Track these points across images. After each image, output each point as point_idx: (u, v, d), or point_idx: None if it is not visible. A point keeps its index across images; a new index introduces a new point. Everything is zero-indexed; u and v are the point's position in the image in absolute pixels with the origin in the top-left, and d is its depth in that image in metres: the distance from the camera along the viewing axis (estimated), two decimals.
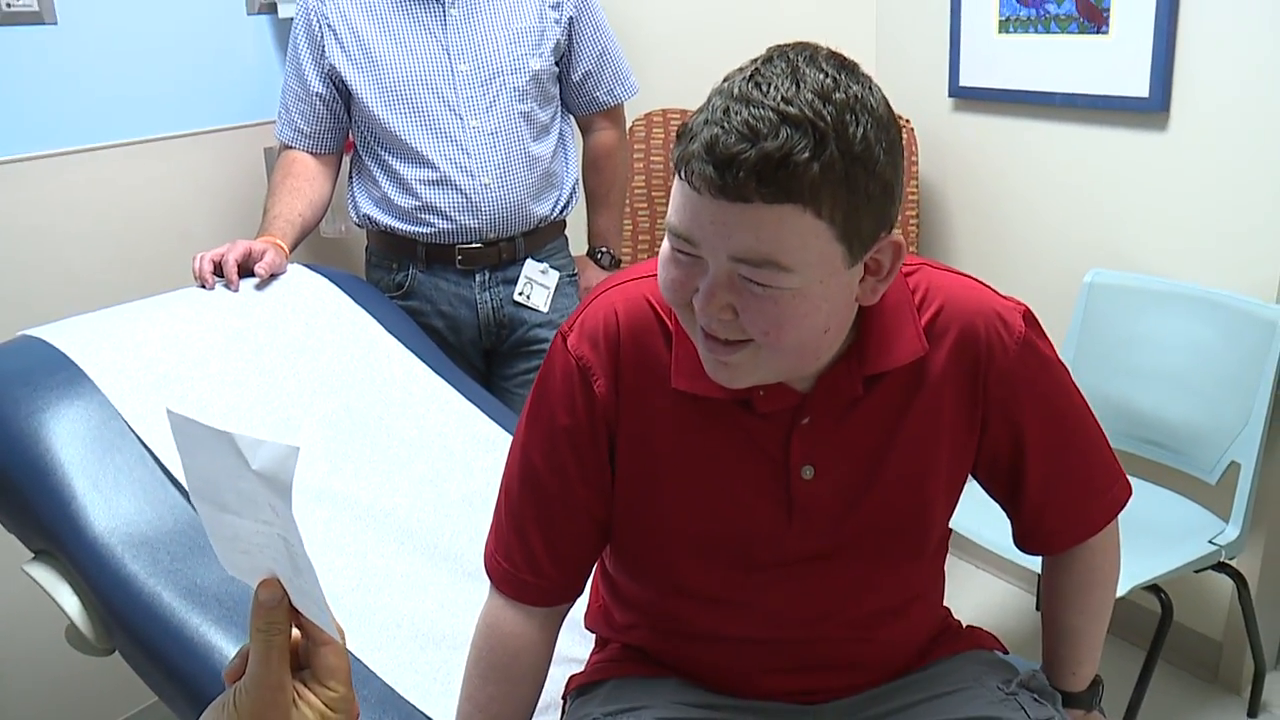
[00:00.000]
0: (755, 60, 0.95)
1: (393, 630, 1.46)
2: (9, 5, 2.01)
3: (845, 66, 0.94)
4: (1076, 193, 2.35)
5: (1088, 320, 2.28)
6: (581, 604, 1.29)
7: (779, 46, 0.96)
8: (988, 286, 1.17)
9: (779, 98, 0.89)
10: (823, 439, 1.11)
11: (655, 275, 1.15)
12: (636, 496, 1.16)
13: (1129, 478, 1.24)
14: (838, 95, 0.90)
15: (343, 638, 0.71)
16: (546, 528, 1.18)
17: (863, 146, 0.91)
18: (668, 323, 1.13)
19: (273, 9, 2.34)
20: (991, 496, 1.24)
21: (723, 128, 0.89)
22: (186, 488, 0.66)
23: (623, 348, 1.13)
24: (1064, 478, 1.19)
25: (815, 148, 0.88)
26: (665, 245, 1.01)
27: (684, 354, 1.11)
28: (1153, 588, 1.94)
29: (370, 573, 1.52)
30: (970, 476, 1.21)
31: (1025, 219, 2.47)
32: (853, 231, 0.94)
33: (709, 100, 0.94)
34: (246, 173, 2.35)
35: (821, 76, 0.91)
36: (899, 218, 0.99)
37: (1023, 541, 1.25)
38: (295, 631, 0.70)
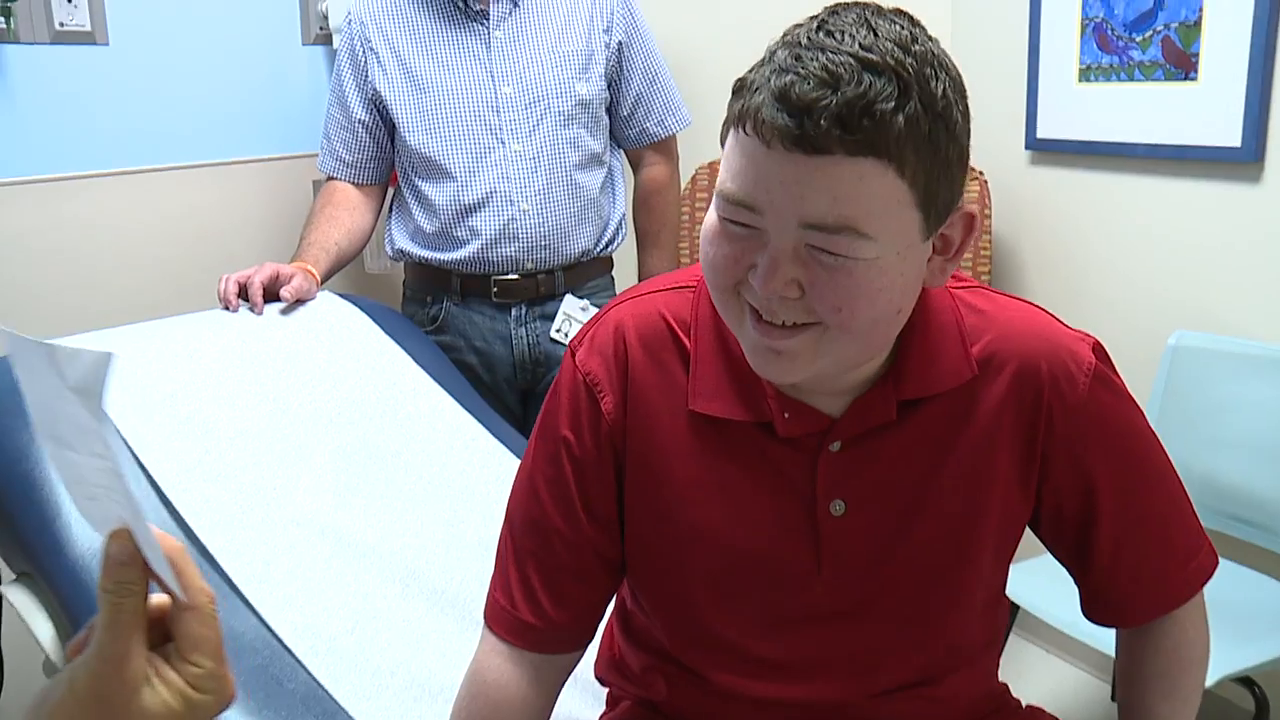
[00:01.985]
0: (817, 15, 0.85)
1: (385, 679, 1.33)
2: (62, 25, 2.00)
3: (917, 23, 0.85)
4: (1161, 249, 2.20)
5: (1171, 385, 2.11)
6: (591, 653, 1.15)
7: (839, 2, 0.86)
8: (1052, 315, 1.03)
9: (857, 45, 0.80)
10: (854, 470, 0.97)
11: (675, 288, 1.05)
12: (649, 531, 1.04)
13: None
14: (917, 48, 0.81)
15: (211, 602, 0.60)
16: (549, 562, 1.05)
17: (944, 104, 0.82)
18: (685, 341, 1.01)
19: (328, 40, 2.31)
20: (1057, 556, 1.08)
21: (797, 74, 0.79)
22: (35, 426, 0.55)
23: (633, 365, 1.01)
24: (1141, 536, 1.03)
25: (900, 98, 0.79)
26: (711, 218, 0.89)
27: (704, 374, 0.99)
28: (1245, 680, 1.75)
29: (369, 615, 1.41)
30: (1033, 533, 1.07)
31: (1105, 277, 2.31)
32: (931, 198, 0.83)
33: (769, 54, 0.83)
34: (293, 203, 2.30)
35: (897, 28, 0.82)
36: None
37: (1091, 609, 1.09)
38: (161, 596, 0.59)
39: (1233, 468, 2.01)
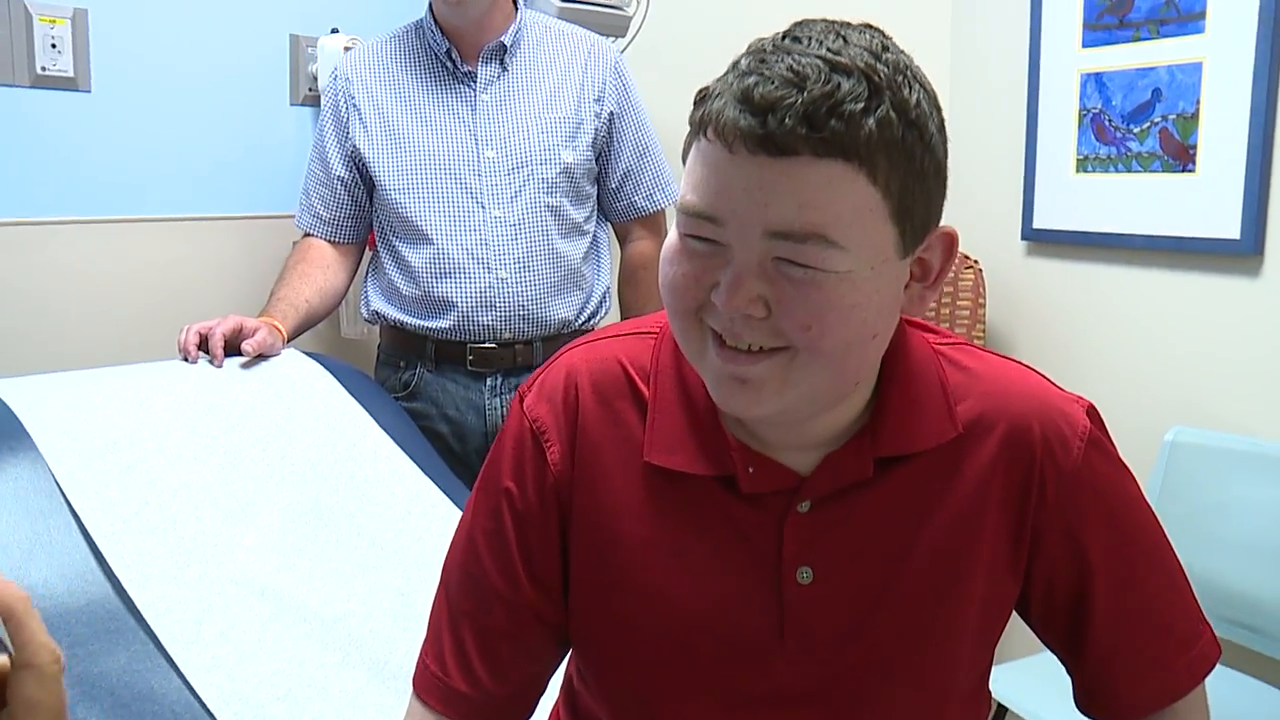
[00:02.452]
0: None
1: None
2: (44, 69, 1.96)
3: (889, 38, 0.81)
4: (1158, 342, 2.14)
5: (1169, 483, 2.03)
6: None
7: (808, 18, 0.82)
8: (1043, 375, 0.96)
9: (825, 49, 0.75)
10: (824, 534, 0.89)
11: (635, 334, 0.98)
12: (595, 596, 0.95)
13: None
14: (889, 55, 0.77)
15: (55, 662, 0.55)
16: (486, 625, 0.96)
17: (919, 113, 0.77)
18: (643, 389, 0.94)
19: (316, 102, 2.28)
20: (1047, 643, 0.99)
21: (761, 75, 0.74)
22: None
23: (584, 414, 0.94)
24: (1138, 618, 0.94)
25: (870, 99, 0.74)
26: (671, 236, 0.83)
27: (662, 424, 0.92)
28: None
29: (303, 683, 1.31)
30: (1020, 618, 0.98)
31: (1101, 370, 2.25)
32: (906, 211, 0.78)
33: (732, 64, 0.79)
34: (271, 263, 2.23)
35: (868, 37, 0.78)
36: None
37: (1086, 701, 0.99)
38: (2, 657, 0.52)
39: (1233, 570, 1.91)
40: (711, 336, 0.82)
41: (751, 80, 0.74)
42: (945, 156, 0.81)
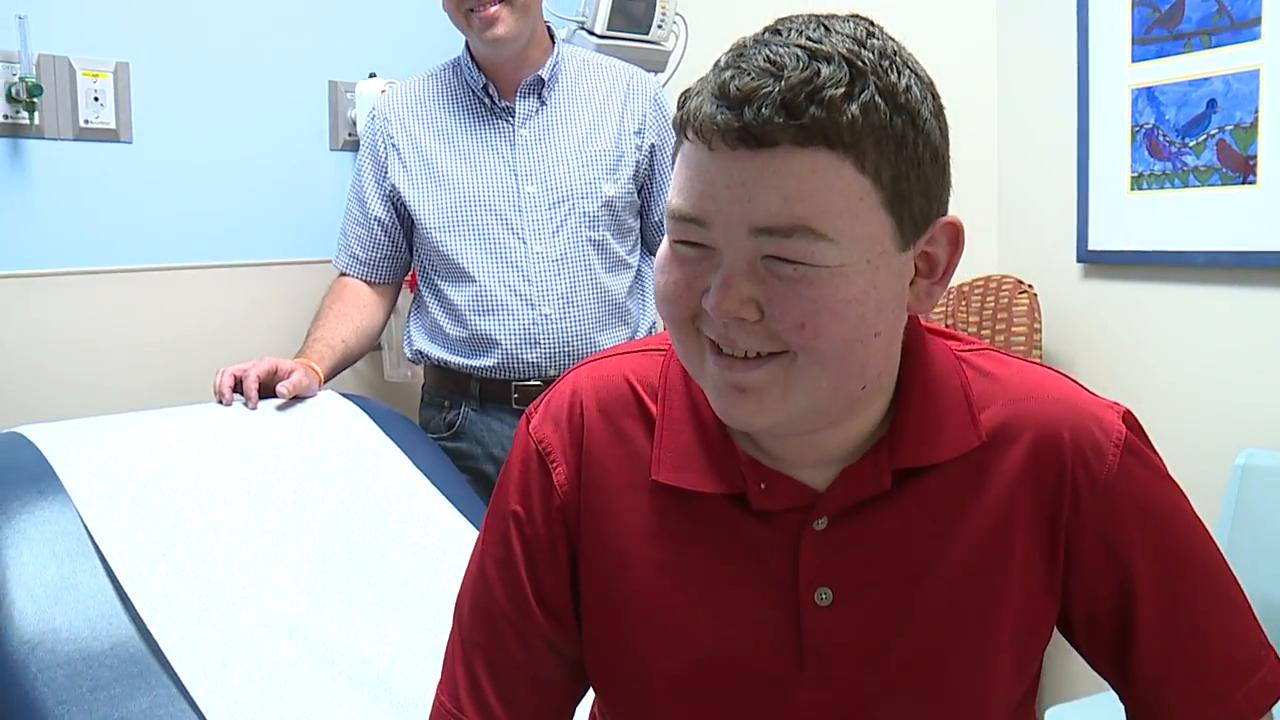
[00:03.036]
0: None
1: None
2: (86, 122, 2.00)
3: (877, 25, 0.77)
4: (1224, 362, 2.04)
5: (1241, 509, 1.92)
6: None
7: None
8: (1075, 380, 0.91)
9: (805, 38, 0.72)
10: (843, 552, 0.84)
11: (644, 351, 0.95)
12: (605, 625, 0.90)
13: None
14: (874, 41, 0.74)
15: None
16: (499, 658, 0.92)
17: (908, 96, 0.73)
18: (650, 406, 0.90)
19: (355, 146, 2.29)
20: (1096, 668, 0.92)
21: (738, 68, 0.72)
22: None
23: (590, 433, 0.90)
24: (1190, 640, 0.87)
25: (852, 84, 0.71)
26: (663, 246, 0.80)
27: (671, 442, 0.88)
28: None
29: None
30: (1066, 640, 0.91)
31: (1165, 393, 2.15)
32: (901, 199, 0.74)
33: (713, 64, 0.76)
34: (310, 307, 2.22)
35: (852, 25, 0.75)
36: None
37: None
38: None
39: None
40: (709, 345, 0.78)
41: (728, 74, 0.72)
42: (944, 143, 0.77)
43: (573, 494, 0.89)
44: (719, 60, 0.75)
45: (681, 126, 0.76)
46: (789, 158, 0.71)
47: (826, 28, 0.74)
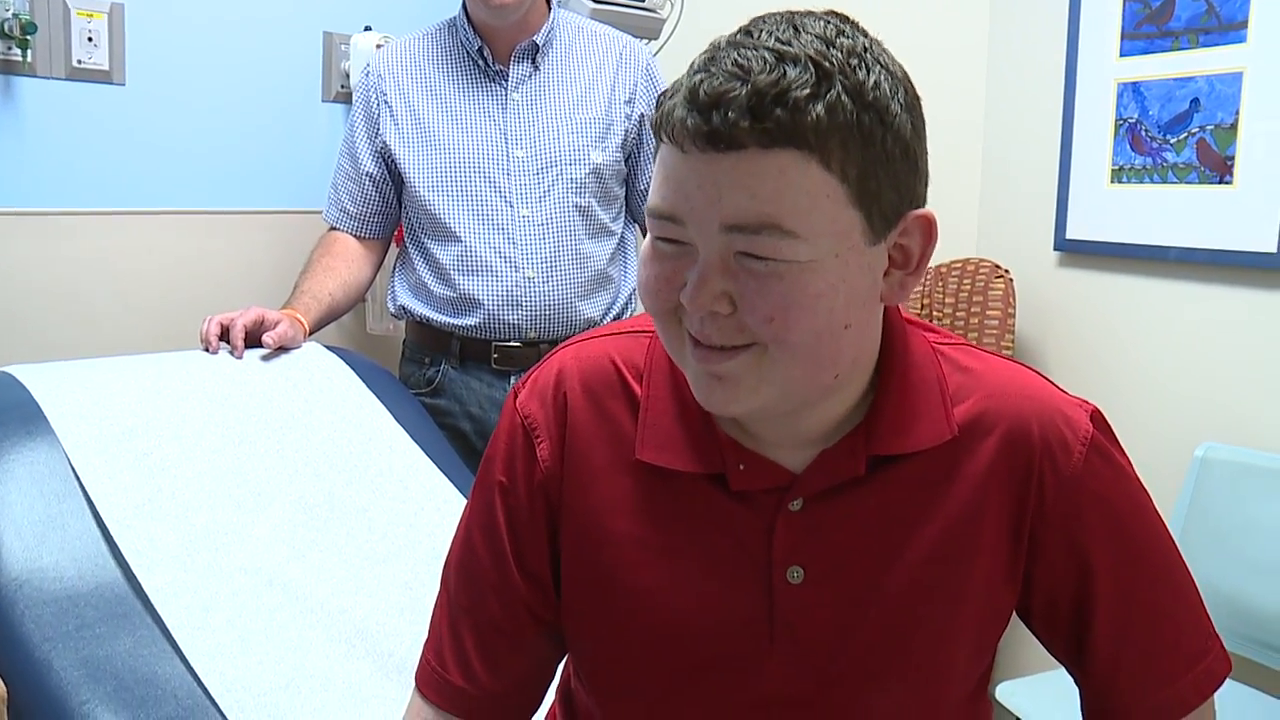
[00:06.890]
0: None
1: None
2: (79, 62, 1.99)
3: (850, 22, 0.80)
4: (1191, 356, 2.10)
5: (1198, 500, 1.99)
6: None
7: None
8: (1047, 378, 0.94)
9: (774, 40, 0.75)
10: (816, 533, 0.88)
11: (630, 333, 0.97)
12: (586, 595, 0.94)
13: (1241, 685, 0.95)
14: (843, 40, 0.76)
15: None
16: (482, 620, 0.96)
17: (877, 94, 0.75)
18: (635, 388, 0.93)
19: (348, 98, 2.30)
20: (1053, 653, 0.97)
21: (708, 72, 0.74)
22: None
23: (573, 412, 0.93)
24: (1142, 630, 0.92)
25: (817, 84, 0.73)
26: (645, 241, 0.83)
27: (654, 421, 0.91)
28: None
29: (307, 673, 1.31)
30: (1025, 625, 0.96)
31: (1131, 382, 2.21)
32: (869, 195, 0.76)
33: (690, 65, 0.78)
34: (300, 258, 2.24)
35: (823, 24, 0.77)
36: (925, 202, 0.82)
37: (1093, 716, 0.96)
38: None
39: (1261, 591, 1.87)
40: (689, 337, 0.82)
41: (699, 78, 0.75)
42: (916, 136, 0.79)
43: (555, 468, 0.93)
44: (693, 62, 0.78)
45: (657, 129, 0.79)
46: (756, 159, 0.74)
47: (797, 28, 0.76)
